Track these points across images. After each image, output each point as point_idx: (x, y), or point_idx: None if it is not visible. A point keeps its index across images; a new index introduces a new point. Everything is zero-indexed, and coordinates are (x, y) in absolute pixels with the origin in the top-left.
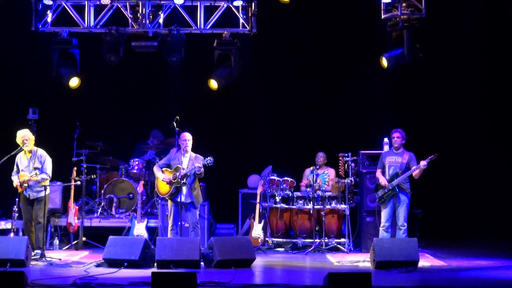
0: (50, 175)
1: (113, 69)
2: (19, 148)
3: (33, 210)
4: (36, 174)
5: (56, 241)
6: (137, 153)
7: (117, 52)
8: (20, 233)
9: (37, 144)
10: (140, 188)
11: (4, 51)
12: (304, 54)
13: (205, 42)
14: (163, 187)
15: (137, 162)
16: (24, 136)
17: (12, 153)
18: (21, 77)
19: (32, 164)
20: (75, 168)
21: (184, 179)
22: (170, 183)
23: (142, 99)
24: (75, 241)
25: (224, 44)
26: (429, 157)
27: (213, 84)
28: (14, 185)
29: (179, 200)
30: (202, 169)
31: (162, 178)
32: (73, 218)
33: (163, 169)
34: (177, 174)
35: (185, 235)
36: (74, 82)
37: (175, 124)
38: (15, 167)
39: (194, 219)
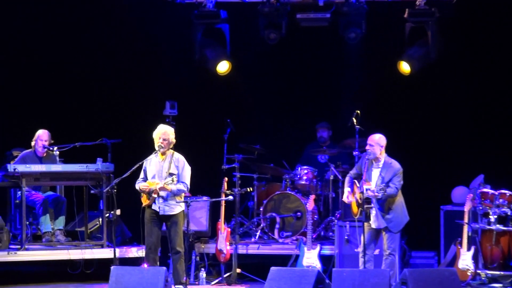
0: (189, 187)
1: (272, 49)
2: (153, 153)
3: (166, 234)
4: (173, 180)
5: (203, 274)
6: (305, 159)
7: (278, 27)
8: (153, 263)
9: (176, 147)
10: (310, 205)
11: (133, 28)
12: None
13: (392, 13)
14: (354, 206)
15: (306, 171)
16: (165, 134)
17: (142, 161)
18: (155, 62)
19: (165, 169)
20: (226, 178)
21: (372, 202)
22: (357, 204)
23: (311, 88)
24: (227, 273)
25: (418, 15)
26: None
27: (404, 67)
28: (141, 196)
29: (370, 224)
30: (381, 194)
31: (346, 196)
32: (224, 244)
33: (355, 180)
34: (362, 194)
35: (377, 265)
36: (223, 67)
37: (354, 121)
38: (141, 173)
39: (391, 244)
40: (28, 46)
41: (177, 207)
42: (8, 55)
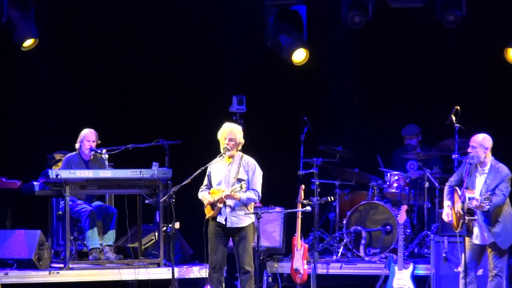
0: (260, 195)
1: (357, 35)
2: (218, 156)
3: (234, 251)
4: (241, 187)
5: None
6: (395, 164)
7: (364, 9)
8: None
9: (245, 149)
10: (402, 217)
11: (193, 12)
12: None
13: None
14: (455, 218)
15: (396, 177)
16: (231, 133)
17: (206, 166)
18: (220, 51)
19: (233, 174)
20: (303, 186)
21: (475, 213)
22: (458, 215)
23: (401, 80)
24: None
25: None
26: None
27: None
28: (205, 206)
29: (472, 239)
30: (487, 204)
31: (446, 214)
32: (300, 262)
33: (457, 188)
34: (464, 204)
35: (481, 286)
36: (299, 55)
37: (453, 118)
38: (205, 179)
39: (497, 263)
40: (72, 39)
41: (246, 219)
42: (50, 50)
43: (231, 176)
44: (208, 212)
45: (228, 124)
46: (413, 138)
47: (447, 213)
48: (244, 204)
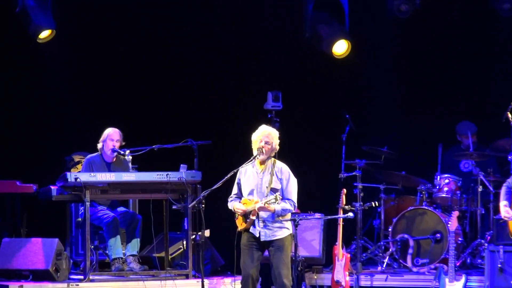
0: (296, 205)
1: (403, 25)
2: (251, 159)
3: (269, 262)
4: (276, 198)
5: None
6: (445, 166)
7: None
8: None
9: (281, 150)
10: (453, 224)
11: (227, 0)
12: None
13: None
14: (511, 224)
15: (447, 180)
16: (269, 136)
17: (238, 169)
18: (253, 42)
19: (266, 183)
20: (345, 190)
21: None
22: None
23: (452, 74)
24: None
25: None
26: None
27: None
28: (236, 217)
29: None
30: None
31: (505, 211)
32: (342, 274)
33: None
34: None
35: None
36: (340, 48)
37: (509, 116)
38: (234, 187)
39: None
40: (93, 31)
41: (282, 230)
42: (68, 42)
43: (263, 185)
44: (240, 225)
45: (266, 127)
46: (467, 137)
47: (506, 210)
48: (278, 215)
